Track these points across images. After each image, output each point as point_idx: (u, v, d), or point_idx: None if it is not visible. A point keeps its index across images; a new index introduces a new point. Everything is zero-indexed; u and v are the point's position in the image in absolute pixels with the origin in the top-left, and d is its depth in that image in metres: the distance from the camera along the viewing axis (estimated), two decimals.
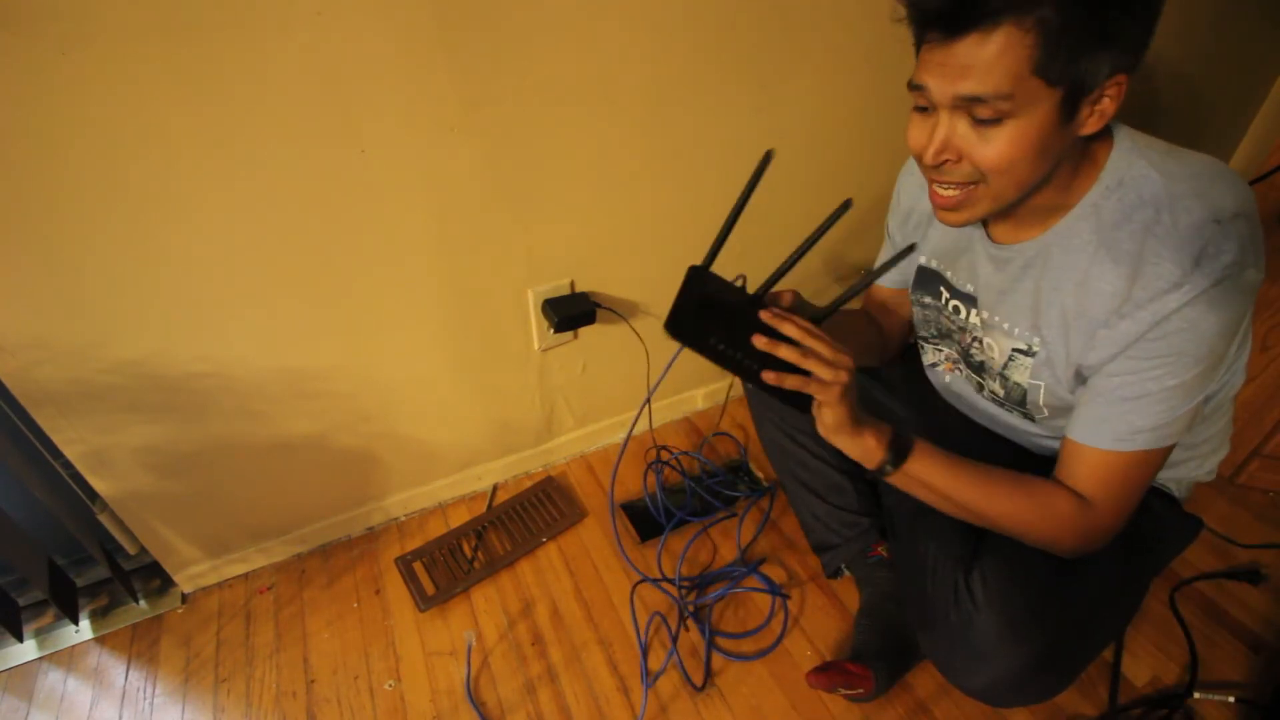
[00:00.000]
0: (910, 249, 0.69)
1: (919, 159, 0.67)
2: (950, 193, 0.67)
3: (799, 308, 0.74)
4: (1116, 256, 0.65)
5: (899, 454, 0.73)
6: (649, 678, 1.01)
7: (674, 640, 1.05)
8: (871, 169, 1.27)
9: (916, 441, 0.74)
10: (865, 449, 0.72)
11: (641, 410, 1.15)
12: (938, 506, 0.77)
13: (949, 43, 0.58)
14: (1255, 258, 0.62)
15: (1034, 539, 0.74)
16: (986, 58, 0.56)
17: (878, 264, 1.00)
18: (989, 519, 0.75)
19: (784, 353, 0.66)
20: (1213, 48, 1.57)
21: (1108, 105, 0.60)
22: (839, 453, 1.03)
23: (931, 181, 0.68)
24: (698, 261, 0.78)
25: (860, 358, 1.02)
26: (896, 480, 0.74)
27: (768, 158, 0.65)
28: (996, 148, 0.61)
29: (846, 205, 0.66)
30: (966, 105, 0.60)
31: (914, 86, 0.64)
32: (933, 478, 0.74)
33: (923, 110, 0.65)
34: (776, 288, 0.75)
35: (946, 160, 0.64)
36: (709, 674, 1.02)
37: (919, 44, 0.63)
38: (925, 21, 0.59)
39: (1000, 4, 0.54)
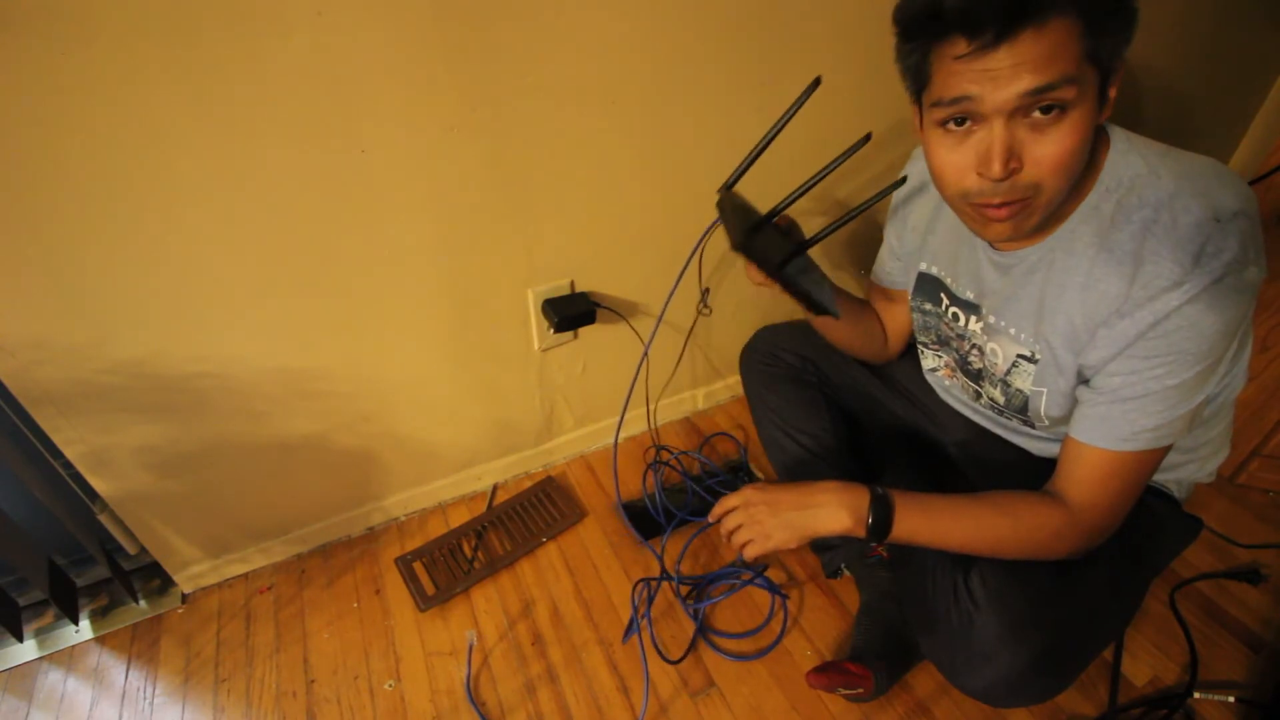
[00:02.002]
0: (901, 180, 0.75)
1: (960, 183, 0.64)
2: (1004, 209, 0.64)
3: (791, 228, 0.88)
4: (1118, 257, 0.65)
5: (878, 530, 0.75)
6: (625, 637, 1.04)
7: (649, 603, 1.07)
8: (872, 169, 1.27)
9: (896, 509, 0.75)
10: (842, 528, 0.77)
11: (623, 415, 1.17)
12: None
13: (997, 46, 0.56)
14: (1256, 256, 0.62)
15: (1028, 557, 0.75)
16: (1046, 48, 0.55)
17: (876, 266, 1.00)
18: (980, 553, 0.76)
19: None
20: (1212, 48, 1.57)
21: (1114, 92, 0.61)
22: (838, 452, 1.04)
23: (983, 205, 0.65)
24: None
25: (862, 349, 1.03)
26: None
27: (816, 83, 0.73)
28: (1060, 142, 0.59)
29: (866, 138, 0.73)
30: (1030, 103, 0.58)
31: (951, 101, 0.60)
32: (917, 538, 0.76)
33: (955, 129, 0.62)
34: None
35: (1014, 169, 0.61)
36: (691, 649, 1.03)
37: (928, 61, 0.61)
38: (972, 29, 0.56)
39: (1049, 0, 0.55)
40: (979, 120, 0.61)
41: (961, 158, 0.63)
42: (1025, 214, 0.64)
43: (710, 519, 0.85)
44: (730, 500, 0.83)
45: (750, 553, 0.79)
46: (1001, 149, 0.60)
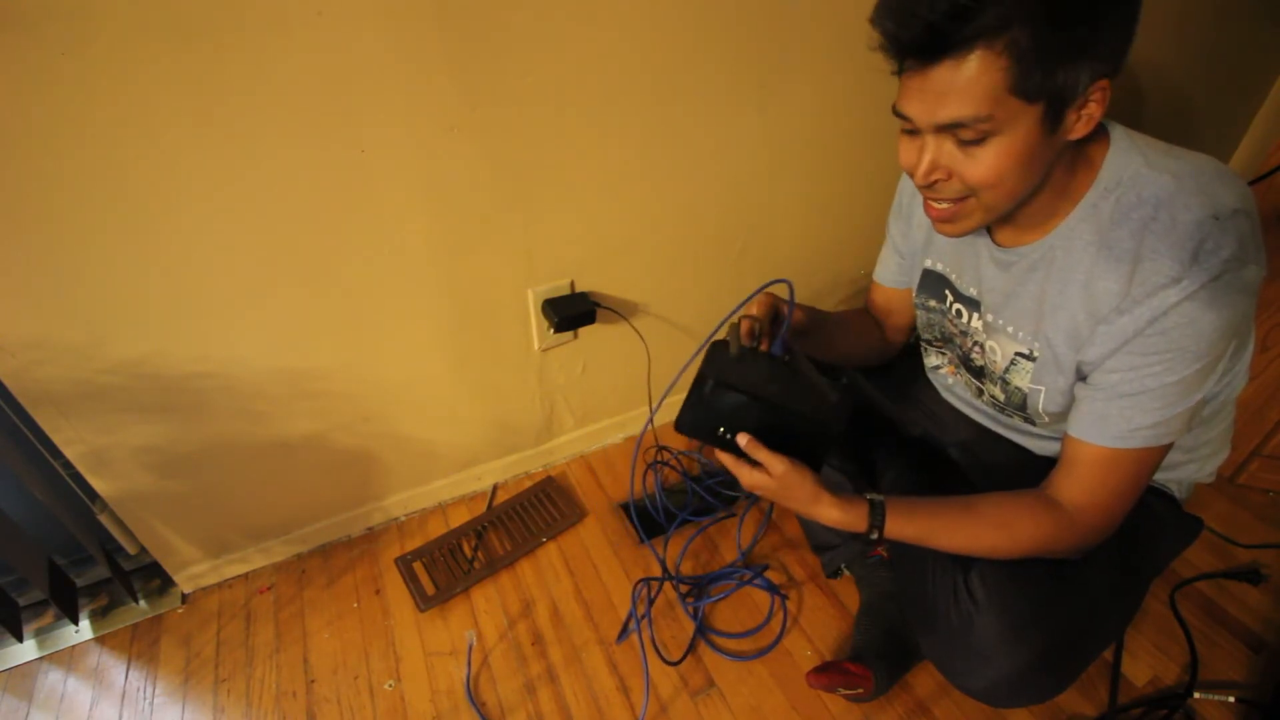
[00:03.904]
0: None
1: (911, 178, 0.69)
2: (943, 206, 0.69)
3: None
4: (1117, 255, 0.65)
5: (871, 528, 0.75)
6: (620, 638, 1.05)
7: (649, 603, 1.07)
8: (872, 167, 1.27)
9: (888, 510, 0.75)
10: (834, 522, 0.76)
11: (651, 418, 1.16)
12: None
13: (924, 70, 0.59)
14: (1256, 254, 0.62)
15: (1026, 556, 0.75)
16: (962, 83, 0.57)
17: (879, 264, 1.00)
18: (976, 555, 0.76)
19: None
20: (1211, 48, 1.57)
21: (1094, 109, 0.60)
22: (839, 453, 1.04)
23: (925, 197, 0.70)
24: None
25: (862, 358, 1.02)
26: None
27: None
28: (984, 165, 0.62)
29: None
30: (950, 129, 0.61)
31: (898, 113, 0.65)
32: (906, 537, 0.76)
33: (910, 132, 0.66)
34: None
35: (937, 180, 0.66)
36: (689, 651, 1.03)
37: (899, 70, 0.64)
38: (900, 50, 0.60)
39: (971, 32, 0.55)
40: (918, 132, 0.65)
41: (907, 158, 0.68)
42: (961, 216, 0.69)
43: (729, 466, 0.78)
44: (743, 477, 0.78)
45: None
46: (925, 164, 0.65)
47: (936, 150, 0.64)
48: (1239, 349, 0.72)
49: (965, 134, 0.61)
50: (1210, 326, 0.62)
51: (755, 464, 0.74)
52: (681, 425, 0.76)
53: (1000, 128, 0.59)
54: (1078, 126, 0.61)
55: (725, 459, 0.76)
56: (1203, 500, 1.23)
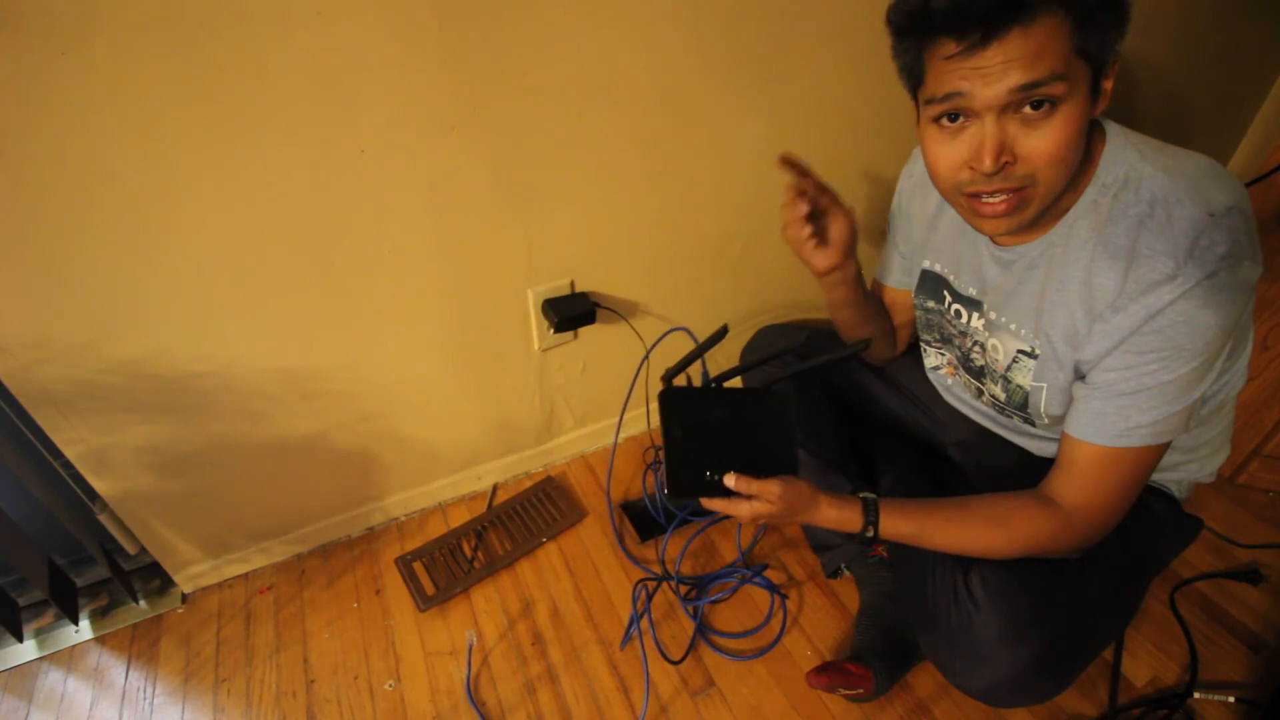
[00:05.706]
0: (865, 344, 0.76)
1: (954, 176, 0.65)
2: (999, 200, 0.65)
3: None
4: (1113, 252, 0.66)
5: (866, 526, 0.76)
6: (623, 642, 1.04)
7: (648, 601, 1.07)
8: (872, 168, 1.27)
9: (881, 509, 0.76)
10: (830, 522, 0.77)
11: (621, 418, 1.16)
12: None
13: (985, 46, 0.57)
14: (1251, 251, 0.62)
15: (1023, 556, 0.75)
16: (1034, 46, 0.57)
17: (880, 265, 1.00)
18: (972, 554, 0.76)
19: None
20: (1211, 48, 1.57)
21: (1109, 84, 0.62)
22: (840, 453, 1.04)
23: (977, 195, 0.66)
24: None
25: (876, 351, 1.02)
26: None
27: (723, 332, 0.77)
28: (1050, 137, 0.60)
29: (723, 330, 0.79)
30: (1019, 99, 0.59)
31: (943, 98, 0.62)
32: (900, 536, 0.77)
33: (949, 124, 0.64)
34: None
35: (1006, 162, 0.62)
36: (690, 650, 1.03)
37: (921, 60, 0.63)
38: (963, 28, 0.58)
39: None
40: (971, 116, 0.62)
41: (954, 153, 0.64)
42: (1021, 206, 0.65)
43: (724, 508, 0.78)
44: (742, 514, 0.78)
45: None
46: (993, 144, 0.61)
47: (1000, 130, 0.61)
48: (1237, 347, 0.72)
49: (1040, 94, 0.58)
50: (1206, 324, 0.62)
51: (748, 497, 0.74)
52: (676, 488, 0.74)
53: (1068, 92, 0.59)
54: (1100, 101, 0.62)
55: (718, 504, 0.75)
56: (1203, 500, 1.23)
